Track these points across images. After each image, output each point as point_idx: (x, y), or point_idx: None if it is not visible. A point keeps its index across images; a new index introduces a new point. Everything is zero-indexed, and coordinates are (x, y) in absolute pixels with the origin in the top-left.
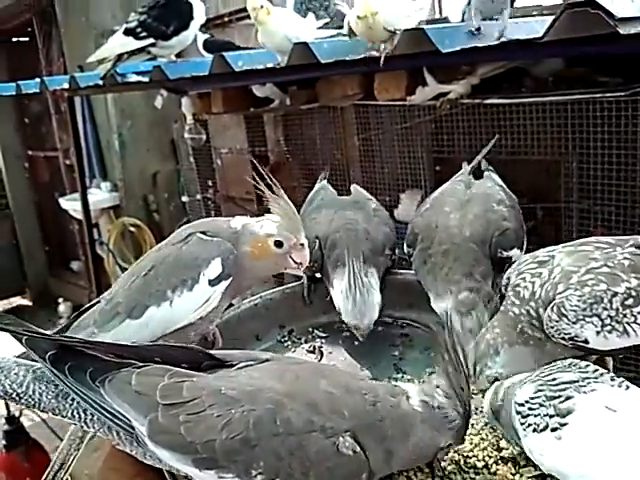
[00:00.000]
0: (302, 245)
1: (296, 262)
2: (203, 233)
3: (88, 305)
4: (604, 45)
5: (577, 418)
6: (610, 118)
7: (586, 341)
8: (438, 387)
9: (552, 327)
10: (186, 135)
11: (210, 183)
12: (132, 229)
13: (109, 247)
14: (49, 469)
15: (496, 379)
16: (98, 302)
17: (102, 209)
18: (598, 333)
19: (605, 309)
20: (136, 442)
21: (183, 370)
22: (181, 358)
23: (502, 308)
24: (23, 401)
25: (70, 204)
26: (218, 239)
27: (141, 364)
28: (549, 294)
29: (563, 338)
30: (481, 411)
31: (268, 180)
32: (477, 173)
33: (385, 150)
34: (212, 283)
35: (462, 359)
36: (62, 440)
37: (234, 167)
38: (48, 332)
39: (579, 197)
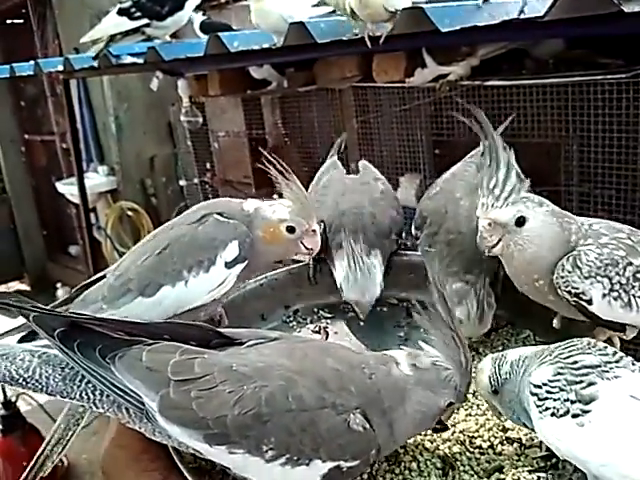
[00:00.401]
0: (314, 231)
1: (307, 248)
2: (219, 214)
3: (91, 280)
4: (607, 25)
5: (601, 406)
6: (611, 100)
7: (590, 301)
8: (425, 349)
9: (562, 277)
10: (182, 118)
11: (208, 166)
12: (130, 213)
13: (106, 231)
14: (45, 444)
15: (520, 220)
16: (102, 277)
17: (99, 193)
18: (604, 296)
19: (617, 274)
20: (146, 418)
21: (194, 347)
22: (190, 336)
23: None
24: (30, 386)
25: (67, 188)
26: (235, 221)
27: (151, 341)
28: (583, 231)
29: (569, 292)
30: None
31: (278, 165)
32: None
33: (384, 133)
34: (228, 265)
35: (453, 322)
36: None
37: (232, 150)
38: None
39: (579, 180)
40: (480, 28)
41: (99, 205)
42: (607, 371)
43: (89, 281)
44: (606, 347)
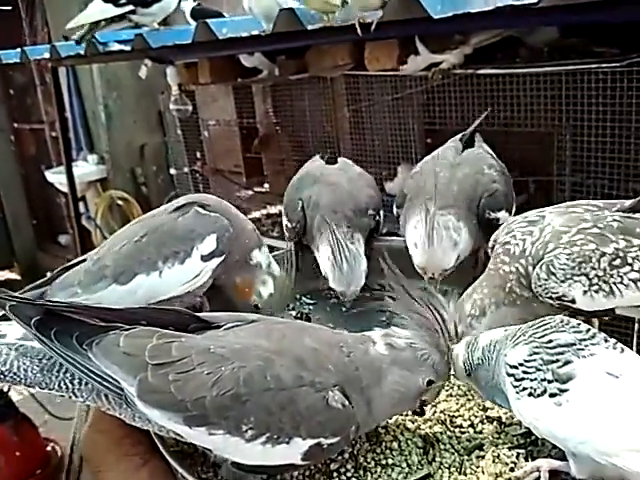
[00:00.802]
0: None
1: None
2: (201, 206)
3: (72, 263)
4: (602, 12)
5: (578, 384)
6: (605, 90)
7: (573, 301)
8: (399, 331)
9: (540, 286)
10: (172, 106)
11: (198, 155)
12: (120, 202)
13: (96, 221)
14: (70, 443)
15: None
16: (83, 260)
17: (89, 182)
18: (585, 292)
19: (593, 268)
20: (126, 404)
21: (171, 332)
22: (167, 321)
23: (490, 267)
24: (8, 379)
25: (56, 177)
26: (216, 215)
27: (128, 327)
28: (539, 252)
29: (550, 297)
30: None
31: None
32: (469, 145)
33: (376, 122)
34: (205, 259)
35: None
36: (50, 414)
37: (222, 139)
38: (31, 298)
39: (572, 170)
40: (473, 15)
41: (89, 194)
42: (582, 349)
43: (70, 263)
44: (579, 324)
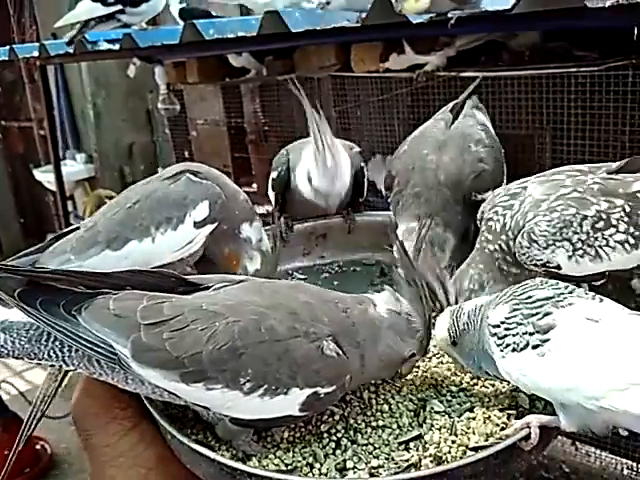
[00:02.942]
0: None
1: None
2: (194, 174)
3: (64, 231)
4: (574, 19)
5: (559, 333)
6: (585, 93)
7: (558, 267)
8: (402, 298)
9: (524, 254)
10: (159, 105)
11: (186, 155)
12: (108, 201)
13: (84, 220)
14: (32, 406)
15: None
16: (77, 229)
17: (77, 181)
18: (570, 257)
19: (575, 233)
20: (119, 366)
21: (160, 294)
22: (155, 284)
23: (478, 245)
24: None
25: (44, 175)
26: (208, 182)
27: (115, 292)
28: (519, 223)
29: (535, 265)
30: None
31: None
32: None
33: (362, 122)
34: (197, 225)
35: (417, 277)
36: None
37: (211, 139)
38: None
39: None
40: (450, 20)
41: (77, 193)
42: (561, 300)
43: (64, 231)
44: (558, 283)
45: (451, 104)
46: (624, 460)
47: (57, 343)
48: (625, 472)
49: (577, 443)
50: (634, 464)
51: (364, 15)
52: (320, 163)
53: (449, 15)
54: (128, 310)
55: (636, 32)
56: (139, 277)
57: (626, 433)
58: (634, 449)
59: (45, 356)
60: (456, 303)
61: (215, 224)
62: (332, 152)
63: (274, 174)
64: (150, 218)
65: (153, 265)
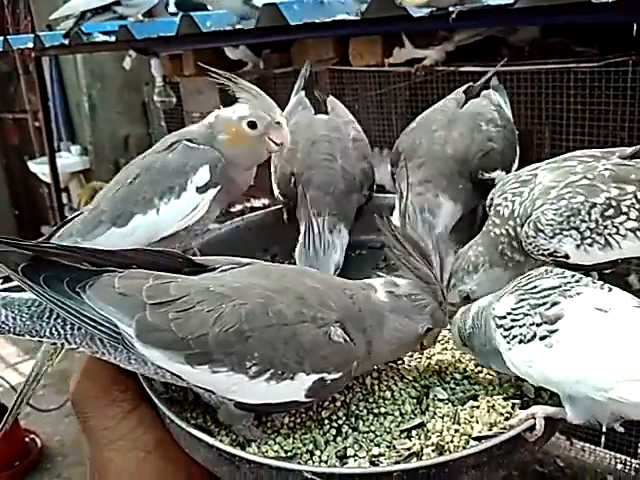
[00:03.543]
0: (278, 123)
1: (276, 143)
2: (189, 141)
3: (69, 218)
4: (577, 14)
5: (567, 323)
6: (584, 89)
7: (566, 256)
8: (400, 278)
9: (530, 243)
10: (155, 98)
11: None
12: None
13: None
14: (24, 383)
15: (467, 297)
16: (80, 214)
17: (72, 173)
18: (578, 247)
19: (583, 221)
20: (122, 346)
21: (166, 273)
22: (161, 264)
23: (484, 228)
24: None
25: (39, 167)
26: (205, 147)
27: (120, 270)
28: (527, 211)
29: (543, 254)
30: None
31: (227, 74)
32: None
33: (359, 116)
34: (200, 190)
35: (421, 249)
36: (32, 406)
37: None
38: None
39: None
40: (451, 14)
41: (72, 185)
42: (568, 289)
43: (69, 218)
44: (563, 271)
45: (465, 86)
46: (618, 455)
47: (59, 320)
48: (619, 467)
49: (572, 439)
50: (627, 458)
51: (364, 8)
52: (303, 258)
53: (450, 9)
54: (133, 289)
55: (635, 28)
56: (145, 256)
57: (622, 429)
58: (628, 444)
59: (47, 333)
60: (449, 282)
61: (218, 187)
62: (317, 251)
63: (280, 197)
64: (152, 190)
65: (160, 237)
